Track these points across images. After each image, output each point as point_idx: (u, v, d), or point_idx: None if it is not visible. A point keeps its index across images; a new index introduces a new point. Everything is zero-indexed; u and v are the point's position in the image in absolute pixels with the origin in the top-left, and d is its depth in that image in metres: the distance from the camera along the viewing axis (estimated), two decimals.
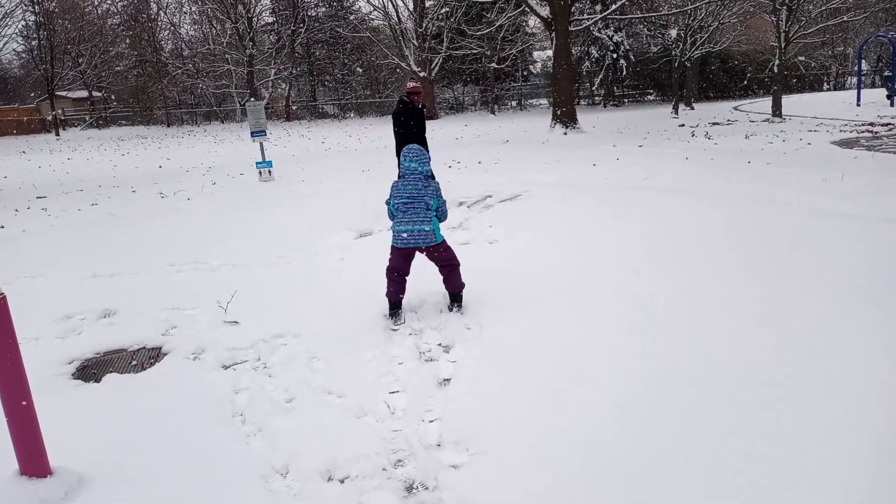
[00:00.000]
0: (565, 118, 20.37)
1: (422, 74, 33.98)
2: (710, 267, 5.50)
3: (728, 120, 23.00)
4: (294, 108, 40.34)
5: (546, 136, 19.63)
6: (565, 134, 19.75)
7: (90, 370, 4.35)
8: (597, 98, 40.91)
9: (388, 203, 4.80)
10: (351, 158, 16.46)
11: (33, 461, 2.92)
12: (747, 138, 16.03)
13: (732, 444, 3.00)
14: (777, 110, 21.95)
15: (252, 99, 16.25)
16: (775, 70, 22.81)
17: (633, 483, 2.79)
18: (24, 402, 2.83)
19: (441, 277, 4.94)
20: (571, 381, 3.70)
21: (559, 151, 15.00)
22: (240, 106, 37.79)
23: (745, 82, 40.44)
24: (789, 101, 26.20)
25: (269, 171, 12.63)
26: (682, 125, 21.45)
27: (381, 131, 26.71)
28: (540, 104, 41.80)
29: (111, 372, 4.25)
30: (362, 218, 8.02)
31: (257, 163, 12.78)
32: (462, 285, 4.94)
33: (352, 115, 41.60)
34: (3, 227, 9.47)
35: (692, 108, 30.35)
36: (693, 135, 17.82)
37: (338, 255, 6.75)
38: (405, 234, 4.69)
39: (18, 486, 2.89)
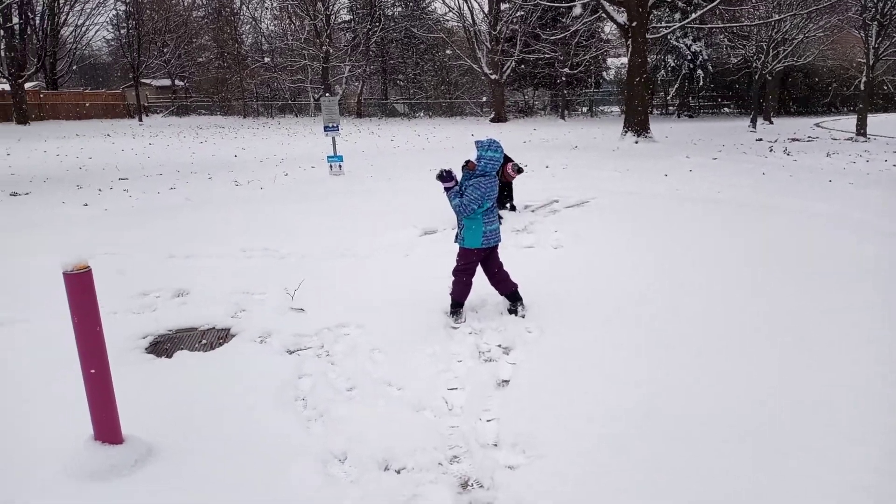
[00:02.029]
0: (637, 126, 20.03)
1: (493, 77, 33.97)
2: (783, 289, 5.31)
3: (809, 136, 22.15)
4: (365, 105, 40.95)
5: (617, 144, 19.34)
6: (636, 143, 19.41)
7: (162, 346, 4.53)
8: (671, 108, 40.05)
9: (473, 205, 4.52)
10: (418, 157, 16.60)
11: (107, 428, 3.06)
12: (829, 156, 15.41)
13: (797, 470, 2.89)
14: (862, 129, 21.02)
15: (326, 94, 16.62)
16: (861, 87, 21.85)
17: (690, 500, 2.73)
18: (102, 372, 2.97)
19: (491, 280, 4.92)
20: (631, 393, 3.65)
21: (630, 160, 14.75)
22: (314, 100, 38.62)
23: (829, 98, 38.86)
24: (875, 121, 25.06)
25: (340, 166, 12.87)
26: (760, 139, 20.77)
27: (449, 132, 26.84)
28: (611, 111, 41.20)
29: (182, 349, 4.42)
30: (427, 216, 8.08)
31: (329, 157, 13.04)
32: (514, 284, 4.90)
33: (421, 114, 41.94)
34: (86, 204, 9.96)
35: (771, 123, 29.36)
36: (771, 150, 17.24)
37: (402, 251, 6.82)
38: (489, 234, 4.69)
39: (92, 450, 3.03)
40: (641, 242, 6.84)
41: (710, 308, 4.89)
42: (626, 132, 20.30)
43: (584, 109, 41.81)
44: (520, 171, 8.15)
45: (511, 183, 8.49)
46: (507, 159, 7.95)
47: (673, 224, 7.67)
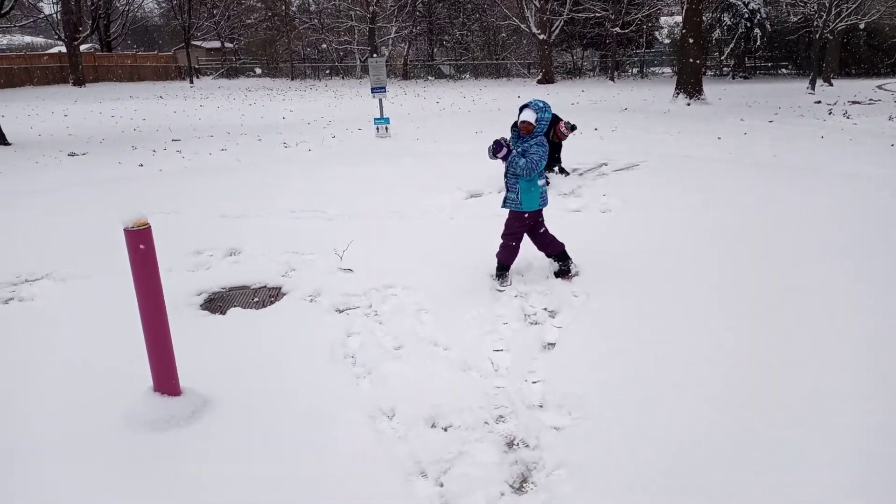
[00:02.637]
0: (690, 88, 19.44)
1: (541, 37, 33.28)
2: (840, 258, 5.16)
3: (870, 99, 21.15)
4: (411, 67, 40.66)
5: (668, 106, 18.83)
6: (689, 105, 18.87)
7: (216, 303, 4.67)
8: (725, 69, 38.62)
9: (543, 161, 4.53)
10: (465, 119, 16.48)
11: (166, 380, 3.19)
12: (891, 120, 14.72)
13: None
14: None
15: (374, 55, 16.52)
16: None
17: (732, 466, 2.72)
18: (161, 325, 3.08)
19: (538, 243, 4.90)
20: (679, 358, 3.62)
21: (681, 122, 14.37)
22: (360, 62, 38.52)
23: (893, 59, 36.92)
24: None
25: (387, 128, 12.87)
26: (819, 102, 19.94)
27: (495, 93, 26.51)
28: (663, 72, 39.99)
29: (235, 306, 4.55)
30: (473, 179, 8.04)
31: (375, 119, 13.04)
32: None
33: (467, 76, 41.47)
34: (141, 165, 10.22)
35: (830, 85, 28.11)
36: (830, 112, 16.55)
37: (448, 213, 6.83)
38: (545, 195, 4.70)
39: (152, 401, 3.16)
40: (692, 207, 6.70)
41: (761, 275, 4.79)
42: (677, 94, 19.73)
43: (635, 70, 40.67)
44: (573, 128, 7.99)
45: (561, 144, 8.35)
46: (557, 119, 7.83)
47: (726, 188, 7.48)
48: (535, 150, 4.50)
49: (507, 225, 4.80)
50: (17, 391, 3.43)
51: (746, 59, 38.04)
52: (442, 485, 2.72)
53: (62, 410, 3.23)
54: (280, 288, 4.87)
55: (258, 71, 41.42)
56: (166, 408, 3.14)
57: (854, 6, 26.09)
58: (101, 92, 28.10)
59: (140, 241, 2.88)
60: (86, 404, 3.26)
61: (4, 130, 13.06)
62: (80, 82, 30.67)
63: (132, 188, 8.42)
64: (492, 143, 4.59)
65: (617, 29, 34.44)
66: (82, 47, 33.10)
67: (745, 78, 36.45)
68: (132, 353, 3.39)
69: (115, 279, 4.76)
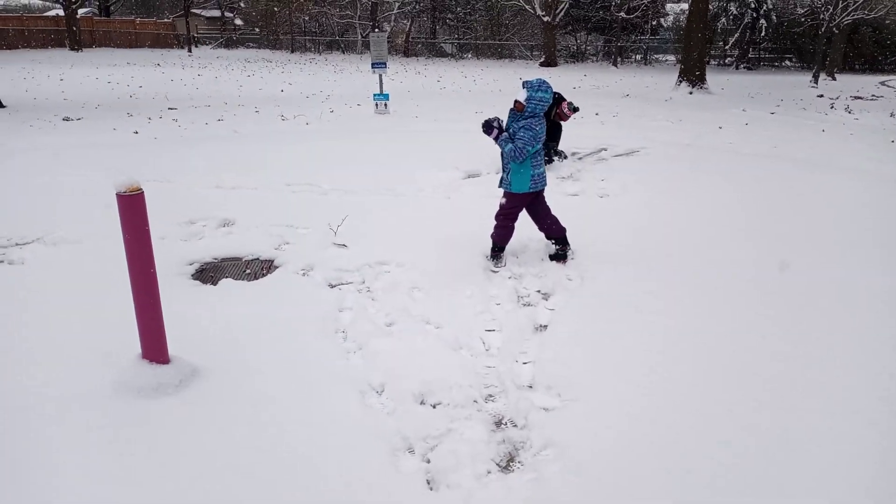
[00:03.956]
0: (693, 77, 19.34)
1: (545, 19, 33.00)
2: (832, 248, 5.16)
3: (873, 95, 21.10)
4: (413, 44, 40.30)
5: (670, 94, 18.76)
6: (691, 93, 18.78)
7: (208, 273, 4.63)
8: (729, 59, 38.42)
9: (528, 147, 4.41)
10: (465, 99, 16.37)
11: (155, 348, 3.16)
12: (893, 116, 14.69)
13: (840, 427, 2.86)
14: None
15: (375, 30, 16.33)
16: None
17: (720, 453, 2.72)
18: (151, 292, 3.05)
19: (540, 224, 4.87)
20: (669, 342, 3.62)
21: (683, 110, 14.31)
22: (361, 37, 38.15)
23: None
24: None
25: (385, 105, 12.76)
26: (821, 95, 19.88)
27: (497, 74, 26.34)
28: (666, 60, 39.76)
29: (227, 277, 4.51)
30: (471, 159, 7.99)
31: (375, 95, 12.93)
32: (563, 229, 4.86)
33: (469, 55, 41.12)
34: (136, 132, 10.12)
35: (834, 79, 28.01)
36: (832, 107, 16.52)
37: (444, 192, 6.79)
38: (537, 177, 4.63)
39: (140, 368, 3.14)
40: (689, 194, 6.68)
41: (757, 263, 4.78)
42: (680, 82, 19.64)
43: (638, 57, 40.40)
44: (576, 109, 7.92)
45: (560, 127, 8.28)
46: (561, 98, 7.77)
47: (725, 178, 7.46)
48: (521, 134, 4.42)
49: (501, 205, 4.76)
50: (5, 355, 3.40)
51: (751, 49, 37.83)
52: (429, 461, 2.71)
53: (51, 375, 3.20)
54: (273, 261, 4.84)
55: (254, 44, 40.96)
56: (154, 375, 3.12)
57: (861, 1, 25.90)
58: (99, 57, 27.76)
59: (132, 206, 2.84)
60: (74, 369, 3.24)
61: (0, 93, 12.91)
62: (77, 47, 30.29)
63: (126, 155, 8.33)
64: (486, 120, 4.56)
65: (622, 14, 34.20)
66: (80, 11, 32.67)
67: (749, 69, 36.28)
68: (122, 319, 3.37)
69: (106, 245, 4.70)
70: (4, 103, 12.81)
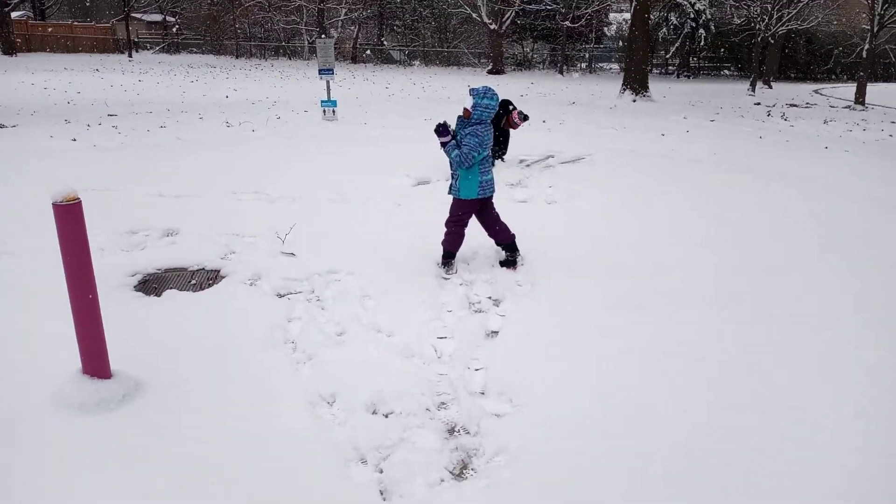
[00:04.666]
0: (636, 85, 19.81)
1: (492, 27, 33.33)
2: (771, 247, 5.34)
3: (807, 103, 22.01)
4: (360, 50, 40.16)
5: (614, 102, 19.16)
6: (634, 101, 19.23)
7: (151, 284, 4.50)
8: (671, 67, 39.53)
9: (473, 153, 4.44)
10: (414, 106, 16.38)
11: (96, 363, 3.05)
12: (826, 123, 15.34)
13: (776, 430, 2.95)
14: (861, 97, 20.84)
15: (322, 36, 16.08)
16: (864, 55, 21.58)
17: (675, 453, 2.78)
18: (91, 305, 2.94)
19: (489, 230, 4.90)
20: (620, 347, 3.68)
21: (627, 118, 14.64)
22: (308, 43, 37.80)
23: (829, 65, 38.45)
24: (875, 90, 24.86)
25: (333, 111, 12.67)
26: (758, 103, 20.63)
27: (445, 81, 26.47)
28: (610, 69, 40.64)
29: (171, 288, 4.39)
30: (421, 166, 8.00)
31: (322, 101, 12.83)
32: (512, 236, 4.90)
33: (417, 62, 41.21)
34: (74, 139, 9.79)
35: (770, 87, 29.11)
36: (769, 114, 17.14)
37: (394, 199, 6.76)
38: (485, 184, 4.65)
39: (80, 384, 3.02)
40: (636, 200, 6.83)
41: (698, 264, 4.92)
42: (624, 90, 20.09)
43: (583, 65, 41.18)
44: (526, 118, 8.02)
45: (508, 134, 8.37)
46: (512, 107, 7.85)
47: (668, 183, 7.65)
48: (467, 140, 4.46)
49: (450, 212, 4.78)
50: None
51: (691, 58, 39.04)
52: (381, 471, 2.69)
53: None
54: (219, 270, 4.73)
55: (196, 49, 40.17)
56: (96, 390, 3.01)
57: (794, 11, 26.97)
58: (34, 62, 26.77)
59: (69, 216, 2.74)
60: (12, 388, 3.10)
61: None
62: (10, 51, 29.12)
63: (63, 163, 8.04)
64: (435, 125, 4.58)
65: (567, 23, 34.78)
66: (14, 14, 31.42)
67: (689, 77, 37.42)
68: (61, 334, 3.24)
69: (44, 257, 4.53)
70: None
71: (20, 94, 16.22)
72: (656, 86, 23.10)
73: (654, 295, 4.40)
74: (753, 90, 25.60)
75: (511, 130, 8.30)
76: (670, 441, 2.86)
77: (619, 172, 8.23)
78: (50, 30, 34.84)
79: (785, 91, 27.60)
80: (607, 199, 6.89)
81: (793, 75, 38.35)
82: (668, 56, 39.43)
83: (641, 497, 2.54)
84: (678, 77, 37.18)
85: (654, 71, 37.16)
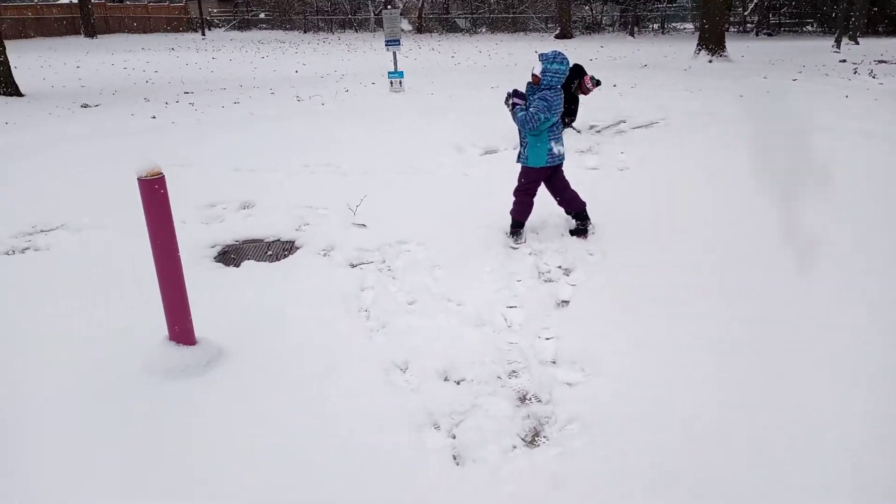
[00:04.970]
0: (712, 44, 18.98)
1: None
2: (856, 214, 5.08)
3: None
4: (425, 20, 39.91)
5: (689, 63, 18.43)
6: (710, 61, 18.45)
7: (230, 255, 4.67)
8: (749, 25, 37.68)
9: (540, 114, 4.35)
10: (480, 74, 16.21)
11: (182, 330, 3.20)
12: None
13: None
14: None
15: (388, 6, 16.03)
16: None
17: (744, 434, 2.71)
18: (176, 275, 3.09)
19: (559, 199, 4.83)
20: (693, 320, 3.59)
21: (702, 79, 14.07)
22: (374, 15, 37.88)
23: None
24: None
25: (400, 82, 12.69)
26: (844, 60, 19.42)
27: (511, 48, 26.04)
28: (684, 28, 39.04)
29: (249, 259, 4.55)
30: (488, 135, 7.94)
31: (389, 73, 12.86)
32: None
33: (483, 30, 40.68)
34: (154, 117, 10.16)
35: (857, 43, 27.33)
36: (855, 72, 16.14)
37: (462, 169, 6.76)
38: (556, 152, 4.58)
39: (167, 350, 3.19)
40: (714, 167, 6.58)
41: (782, 237, 4.71)
42: (699, 50, 19.29)
43: (655, 26, 39.71)
44: (598, 83, 7.80)
45: (578, 100, 8.19)
46: (583, 72, 7.67)
47: (746, 147, 7.33)
48: (535, 104, 4.39)
49: (519, 180, 4.74)
50: (35, 340, 3.47)
51: (771, 15, 37.05)
52: (454, 437, 2.73)
53: (80, 357, 3.26)
54: (294, 242, 4.87)
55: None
56: (181, 357, 3.16)
57: None
58: (113, 43, 27.84)
59: (154, 190, 2.87)
60: (105, 353, 3.29)
61: (18, 81, 13.00)
62: (91, 34, 30.38)
63: (145, 140, 8.38)
64: (507, 92, 4.53)
65: None
66: None
67: (769, 35, 35.53)
68: (148, 302, 3.41)
69: (130, 230, 4.76)
70: (24, 92, 12.91)
71: (102, 74, 16.93)
72: (733, 45, 22.06)
73: (730, 267, 4.26)
74: (839, 47, 24.12)
75: (581, 96, 8.12)
76: (741, 413, 2.78)
77: (693, 137, 7.96)
78: (127, 11, 36.09)
79: (873, 47, 25.86)
80: (682, 165, 6.68)
81: (882, 30, 35.89)
82: (746, 13, 37.56)
83: (715, 469, 2.49)
84: (757, 35, 35.39)
85: (731, 29, 35.49)
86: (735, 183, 5.99)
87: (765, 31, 36.25)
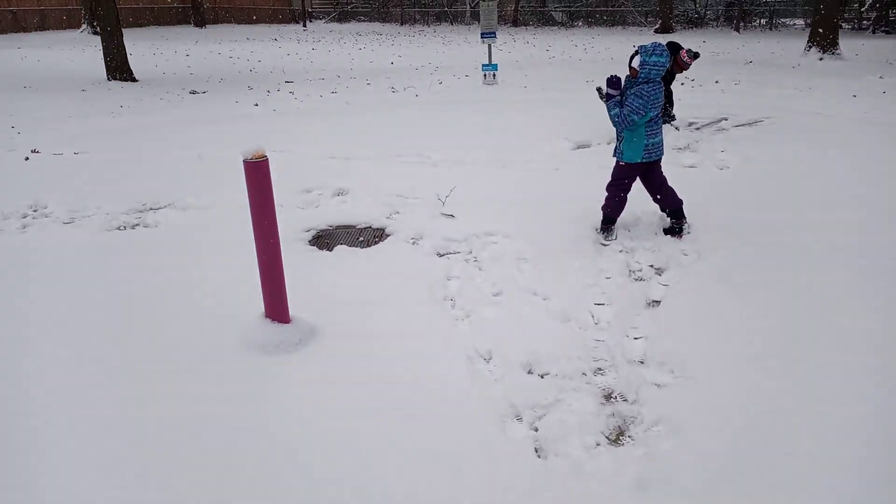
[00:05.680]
0: (824, 41, 17.94)
1: None
2: None
3: None
4: (521, 13, 39.63)
5: (798, 60, 17.50)
6: (821, 59, 17.45)
7: (324, 240, 4.82)
8: (865, 22, 35.34)
9: (634, 116, 4.26)
10: (575, 68, 15.97)
11: (277, 308, 3.34)
12: None
13: None
14: None
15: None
16: None
17: (838, 445, 2.56)
18: (274, 255, 3.21)
19: (654, 196, 4.70)
20: (791, 326, 3.42)
21: (813, 77, 13.34)
22: (470, 7, 37.95)
23: None
24: None
25: (494, 75, 12.67)
26: None
27: (608, 42, 25.50)
28: (794, 24, 37.04)
29: (341, 244, 4.68)
30: (581, 129, 7.81)
31: (483, 65, 12.86)
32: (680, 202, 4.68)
33: (580, 23, 40.00)
34: (256, 104, 10.58)
35: None
36: None
37: (553, 163, 6.69)
38: (651, 147, 4.46)
39: (263, 326, 3.33)
40: (821, 169, 6.22)
41: (884, 240, 4.42)
42: (809, 47, 18.27)
43: (763, 21, 37.90)
44: (696, 55, 7.42)
45: (672, 93, 7.89)
46: (679, 47, 7.38)
47: (858, 149, 6.89)
48: (630, 101, 4.27)
49: (612, 175, 4.65)
50: (146, 310, 3.69)
51: (890, 11, 34.60)
52: (537, 429, 2.73)
53: (184, 329, 3.45)
54: (384, 229, 4.96)
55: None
56: (276, 333, 3.29)
57: None
58: (220, 33, 29.14)
59: (258, 172, 2.99)
60: (206, 327, 3.47)
61: (132, 68, 13.85)
62: (200, 23, 31.90)
63: (248, 126, 8.74)
64: (608, 77, 4.45)
65: None
66: None
67: (887, 33, 33.18)
68: (246, 280, 3.57)
69: (231, 211, 5.00)
70: (137, 77, 13.75)
71: (209, 62, 17.75)
72: (847, 42, 20.77)
73: (830, 273, 4.01)
74: None
75: (678, 74, 7.78)
76: (842, 421, 2.64)
77: (800, 137, 7.54)
78: (234, 3, 37.66)
79: None
80: (787, 166, 6.35)
81: None
82: (862, 9, 35.25)
83: (812, 481, 2.37)
84: (874, 32, 33.14)
85: (845, 26, 33.41)
86: (845, 189, 5.62)
87: (883, 27, 33.88)
